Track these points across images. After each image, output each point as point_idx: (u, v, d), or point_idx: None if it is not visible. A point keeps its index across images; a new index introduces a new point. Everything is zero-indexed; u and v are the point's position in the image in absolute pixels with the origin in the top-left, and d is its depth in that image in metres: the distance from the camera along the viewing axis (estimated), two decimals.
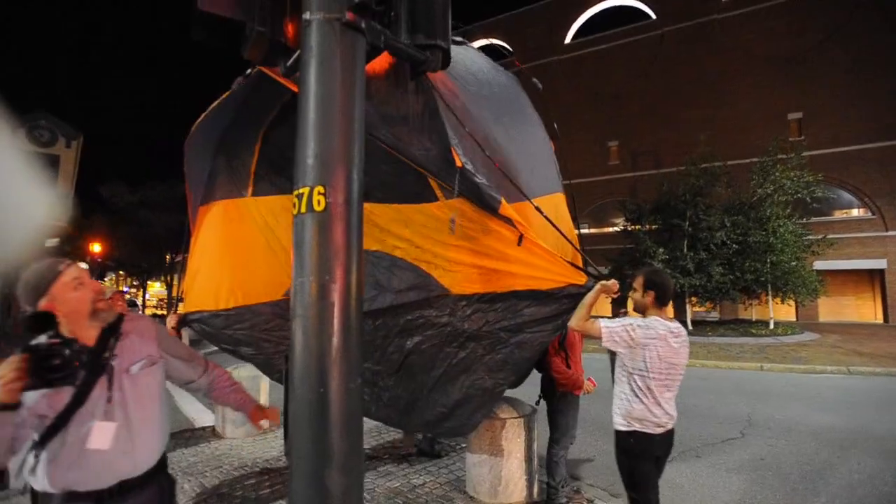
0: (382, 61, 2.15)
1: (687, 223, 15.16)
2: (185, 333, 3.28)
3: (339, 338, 1.23)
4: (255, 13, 1.54)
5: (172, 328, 3.18)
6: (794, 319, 20.81)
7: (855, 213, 21.12)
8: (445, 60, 1.70)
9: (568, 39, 28.09)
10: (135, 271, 23.87)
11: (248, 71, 2.70)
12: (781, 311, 20.85)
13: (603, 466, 4.40)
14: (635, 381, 2.42)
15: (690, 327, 15.59)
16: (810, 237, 15.07)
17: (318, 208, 1.23)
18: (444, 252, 2.74)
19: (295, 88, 1.82)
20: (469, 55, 3.09)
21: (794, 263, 14.51)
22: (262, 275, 3.16)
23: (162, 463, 1.62)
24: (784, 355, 10.90)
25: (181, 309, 3.34)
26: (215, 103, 3.07)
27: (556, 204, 3.20)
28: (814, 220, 17.03)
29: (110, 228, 19.69)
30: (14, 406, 1.25)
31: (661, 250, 15.00)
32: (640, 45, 25.50)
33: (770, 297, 15.35)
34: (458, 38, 3.19)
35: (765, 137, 17.03)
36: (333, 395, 1.20)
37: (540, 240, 2.55)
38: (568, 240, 2.56)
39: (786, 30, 21.54)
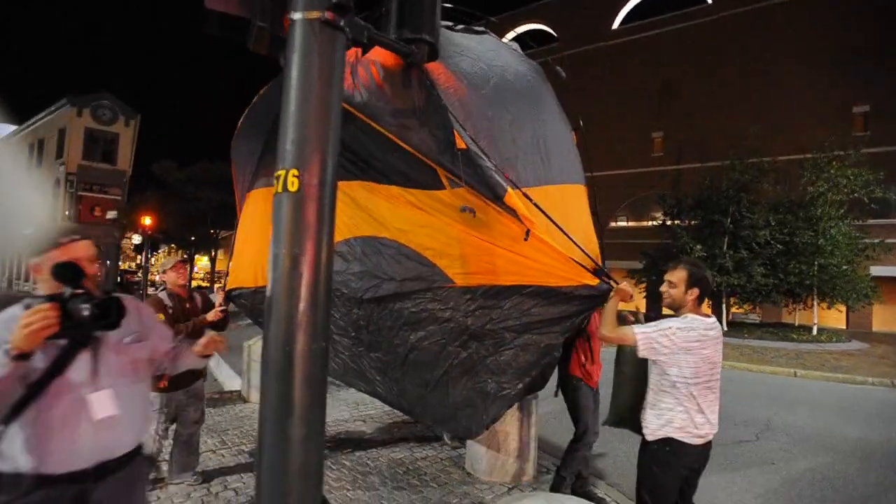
0: (388, 57, 2.25)
1: (728, 220, 14.50)
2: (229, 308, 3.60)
3: (307, 304, 1.38)
4: (256, 10, 1.68)
5: (220, 303, 3.44)
6: (843, 327, 19.61)
7: None
8: (432, 54, 1.79)
9: (615, 25, 27.05)
10: (182, 244, 25.43)
11: None
12: (831, 317, 19.65)
13: (602, 457, 4.45)
14: (678, 390, 2.17)
15: (726, 328, 15.01)
16: (866, 240, 14.07)
17: (292, 189, 1.38)
18: (457, 234, 2.67)
19: None
20: (486, 44, 3.07)
21: (844, 268, 13.63)
22: None
23: (139, 446, 1.53)
24: (823, 363, 10.36)
25: (227, 285, 3.64)
26: (262, 91, 3.23)
27: (570, 195, 3.05)
28: (873, 221, 15.84)
29: (160, 203, 21.07)
30: (28, 356, 1.19)
31: (698, 247, 14.46)
32: (692, 32, 24.21)
33: (815, 302, 14.51)
34: (480, 28, 3.21)
35: (825, 131, 15.89)
36: (298, 355, 1.36)
37: (546, 235, 2.45)
38: (567, 234, 2.44)
39: (853, 16, 19.84)
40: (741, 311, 18.74)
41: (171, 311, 3.24)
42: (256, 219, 3.39)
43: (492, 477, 3.79)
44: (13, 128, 34.95)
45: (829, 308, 15.22)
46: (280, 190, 1.40)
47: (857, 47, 19.61)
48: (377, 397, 3.25)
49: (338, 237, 2.86)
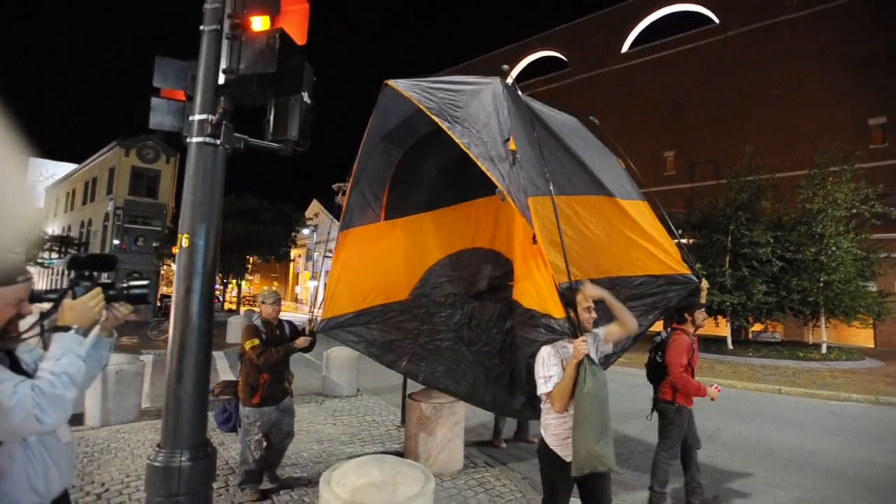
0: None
1: (728, 238, 14.62)
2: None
3: (196, 313, 2.26)
4: (183, 126, 2.62)
5: (309, 333, 3.88)
6: (871, 346, 18.91)
7: None
8: (296, 147, 2.67)
9: (625, 49, 27.71)
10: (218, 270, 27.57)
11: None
12: (859, 335, 19.01)
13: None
14: None
15: (731, 346, 14.95)
16: (870, 256, 13.85)
17: (185, 246, 2.26)
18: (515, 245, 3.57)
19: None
20: (537, 106, 3.83)
21: (851, 286, 13.41)
22: (395, 279, 4.02)
23: None
24: (814, 380, 10.36)
25: (323, 315, 3.94)
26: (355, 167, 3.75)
27: (636, 209, 3.82)
28: (885, 236, 15.48)
29: None
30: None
31: (698, 265, 14.57)
32: (701, 52, 24.57)
33: (823, 319, 14.30)
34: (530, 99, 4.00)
35: (842, 145, 15.75)
36: (189, 347, 2.23)
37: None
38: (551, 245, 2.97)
39: (863, 29, 19.76)
40: (757, 328, 18.41)
41: (264, 336, 3.69)
42: (356, 252, 3.94)
43: (425, 467, 4.47)
44: (74, 166, 38.96)
45: (848, 325, 14.86)
46: (179, 247, 2.29)
47: (868, 60, 19.47)
48: (476, 399, 3.78)
49: (449, 250, 4.09)
